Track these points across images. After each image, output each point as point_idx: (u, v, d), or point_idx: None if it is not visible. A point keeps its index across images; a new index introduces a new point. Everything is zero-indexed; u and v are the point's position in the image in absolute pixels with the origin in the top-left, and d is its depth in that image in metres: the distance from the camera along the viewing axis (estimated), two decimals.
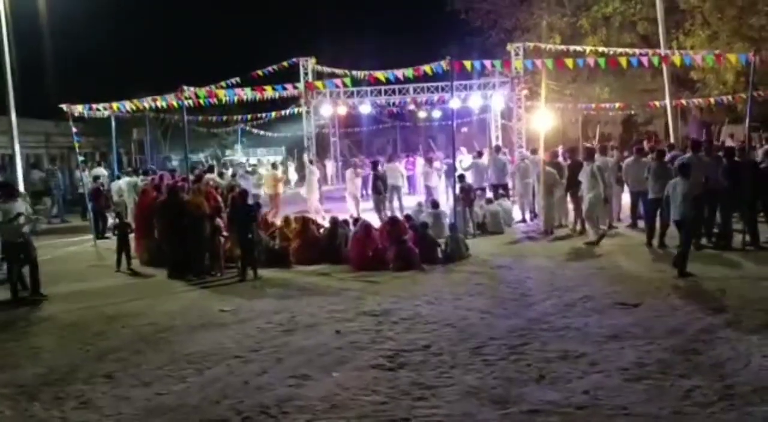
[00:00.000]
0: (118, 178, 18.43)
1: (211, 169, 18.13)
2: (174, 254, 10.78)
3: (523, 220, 15.03)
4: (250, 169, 24.00)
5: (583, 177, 12.21)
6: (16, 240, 9.36)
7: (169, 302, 9.11)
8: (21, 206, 9.52)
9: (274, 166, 19.75)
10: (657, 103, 22.95)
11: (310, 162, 19.60)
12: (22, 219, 9.27)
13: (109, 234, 15.27)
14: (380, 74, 18.38)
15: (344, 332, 7.19)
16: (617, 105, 25.15)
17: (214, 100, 20.14)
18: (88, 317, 8.46)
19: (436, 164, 18.29)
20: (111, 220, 15.77)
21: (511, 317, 7.50)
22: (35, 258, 9.57)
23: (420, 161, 23.16)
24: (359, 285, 9.57)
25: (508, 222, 14.49)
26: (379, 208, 15.25)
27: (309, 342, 6.91)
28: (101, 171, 20.55)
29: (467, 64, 14.28)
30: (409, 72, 17.75)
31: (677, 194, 9.27)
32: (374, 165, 16.36)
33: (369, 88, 21.57)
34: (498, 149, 17.18)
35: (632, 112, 29.50)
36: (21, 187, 14.12)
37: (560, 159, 14.36)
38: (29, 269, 9.54)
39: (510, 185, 16.33)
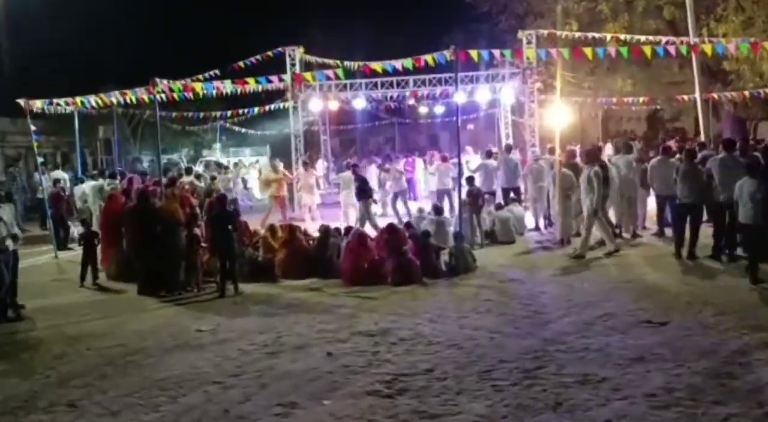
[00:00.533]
0: (82, 181, 18.42)
1: (188, 171, 18.14)
2: (145, 267, 10.76)
3: (537, 228, 15.06)
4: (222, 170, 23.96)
5: (581, 182, 12.24)
6: None
7: (139, 321, 9.09)
8: (7, 212, 9.41)
9: (273, 166, 19.48)
10: (685, 97, 23.01)
11: (305, 164, 19.63)
12: (3, 230, 9.09)
13: (72, 244, 15.26)
14: (376, 65, 18.35)
15: (336, 354, 7.17)
16: (641, 99, 25.24)
17: (190, 95, 20.09)
18: (49, 338, 8.43)
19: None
20: (74, 229, 15.76)
21: (523, 337, 7.50)
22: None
23: (420, 162, 23.23)
24: (353, 302, 9.57)
25: (519, 230, 14.51)
26: (367, 215, 15.04)
27: (297, 365, 6.89)
28: (61, 174, 20.55)
29: (473, 53, 14.29)
30: (408, 62, 17.73)
31: (744, 195, 9.38)
32: (354, 169, 16.32)
33: (364, 81, 21.59)
34: (509, 149, 17.23)
35: (658, 107, 29.65)
36: None
37: (578, 159, 14.40)
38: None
39: (522, 189, 16.37)
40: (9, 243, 9.19)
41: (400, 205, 17.21)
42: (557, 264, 11.47)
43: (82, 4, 33.19)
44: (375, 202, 15.88)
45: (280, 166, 18.78)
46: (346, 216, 16.60)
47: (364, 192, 15.15)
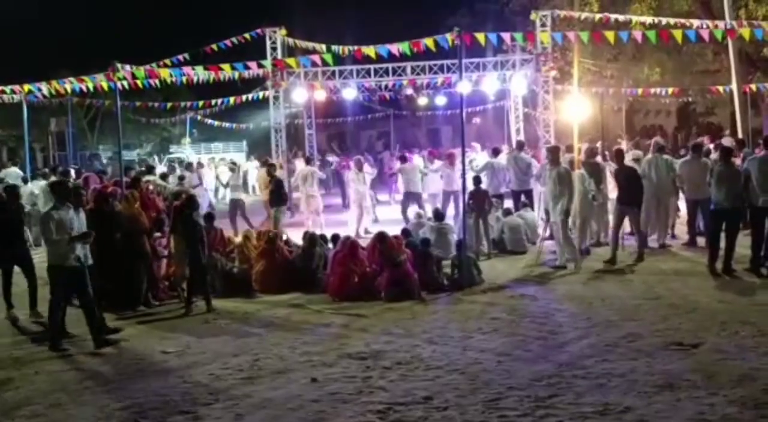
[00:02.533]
0: (26, 181, 18.34)
1: (150, 170, 18.12)
2: (102, 280, 10.72)
3: (551, 236, 15.07)
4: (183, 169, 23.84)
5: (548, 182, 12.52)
6: (73, 264, 8.74)
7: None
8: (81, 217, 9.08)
9: (268, 164, 19.26)
10: (720, 88, 23.17)
11: (307, 160, 19.88)
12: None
13: None
14: (369, 49, 18.41)
15: (322, 380, 7.16)
16: (670, 90, 25.39)
17: (156, 82, 20.13)
18: None
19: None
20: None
21: (536, 361, 7.51)
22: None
23: (419, 160, 23.26)
24: (342, 320, 9.56)
25: (531, 238, 14.54)
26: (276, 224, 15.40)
27: (277, 392, 6.88)
28: (13, 171, 20.40)
29: (480, 37, 14.35)
30: (406, 46, 17.77)
31: None
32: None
33: (355, 68, 21.65)
34: (521, 146, 17.26)
35: (689, 99, 29.76)
36: None
37: (599, 158, 14.45)
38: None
39: (534, 191, 16.40)
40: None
41: (411, 209, 16.83)
42: (574, 278, 11.49)
43: None
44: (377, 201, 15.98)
45: (277, 164, 18.72)
46: (358, 219, 16.80)
47: (279, 198, 15.85)
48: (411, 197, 17.05)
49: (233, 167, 20.95)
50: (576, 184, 12.68)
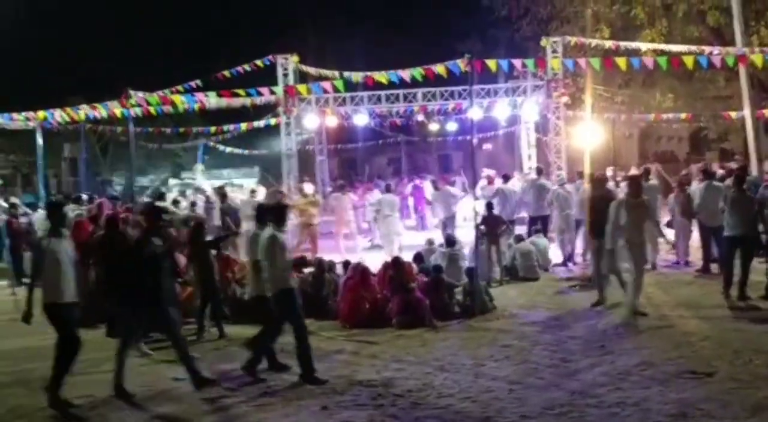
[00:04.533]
0: (37, 207, 18.46)
1: (161, 196, 18.23)
2: (114, 306, 10.76)
3: (564, 263, 15.06)
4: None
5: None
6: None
7: (107, 367, 9.06)
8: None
9: (300, 189, 19.25)
10: (733, 114, 23.15)
11: (341, 187, 19.95)
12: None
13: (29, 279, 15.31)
14: (380, 76, 18.56)
15: (333, 408, 7.16)
16: (683, 115, 25.38)
17: (169, 108, 20.30)
18: (4, 386, 8.45)
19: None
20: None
21: (548, 389, 7.48)
22: None
23: (429, 186, 23.32)
24: (352, 347, 9.56)
25: (544, 265, 14.52)
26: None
27: (288, 420, 6.88)
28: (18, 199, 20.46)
29: (491, 63, 14.51)
30: (417, 73, 17.95)
31: None
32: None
33: (366, 94, 21.75)
34: (540, 171, 17.31)
35: (702, 125, 29.73)
36: None
37: (610, 184, 14.45)
38: None
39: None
40: None
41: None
42: (586, 305, 11.44)
43: (43, 3, 33.49)
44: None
45: (310, 188, 18.71)
46: (388, 247, 16.74)
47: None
48: (449, 221, 17.14)
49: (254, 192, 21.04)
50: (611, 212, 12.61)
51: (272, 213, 8.86)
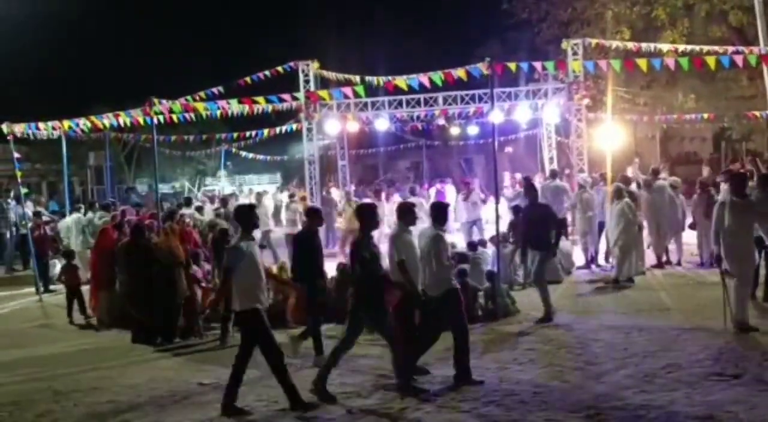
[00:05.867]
0: (63, 214, 18.61)
1: (188, 203, 18.34)
2: (140, 312, 10.86)
3: (587, 266, 14.98)
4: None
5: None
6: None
7: (133, 373, 9.15)
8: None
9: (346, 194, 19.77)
10: (757, 114, 22.92)
11: (377, 192, 20.24)
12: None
13: (55, 286, 15.51)
14: (401, 81, 18.53)
15: (357, 413, 7.16)
16: (705, 116, 25.16)
17: (191, 116, 20.42)
18: (31, 392, 8.52)
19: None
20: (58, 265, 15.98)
21: (573, 392, 7.45)
22: None
23: (451, 189, 23.29)
24: (377, 351, 9.53)
25: (567, 267, 14.44)
26: None
27: None
28: (39, 207, 20.56)
29: (512, 66, 14.42)
30: (437, 77, 17.87)
31: None
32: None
33: (387, 99, 21.74)
34: (554, 174, 17.27)
35: (725, 125, 29.46)
36: None
37: (633, 186, 14.36)
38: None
39: (569, 220, 16.32)
40: None
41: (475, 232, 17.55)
42: (610, 308, 11.38)
43: (67, 14, 33.88)
44: None
45: (336, 194, 19.00)
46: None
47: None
48: (477, 224, 17.65)
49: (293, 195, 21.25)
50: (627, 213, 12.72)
51: (434, 211, 8.65)
